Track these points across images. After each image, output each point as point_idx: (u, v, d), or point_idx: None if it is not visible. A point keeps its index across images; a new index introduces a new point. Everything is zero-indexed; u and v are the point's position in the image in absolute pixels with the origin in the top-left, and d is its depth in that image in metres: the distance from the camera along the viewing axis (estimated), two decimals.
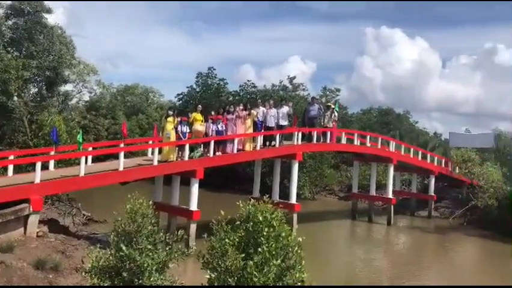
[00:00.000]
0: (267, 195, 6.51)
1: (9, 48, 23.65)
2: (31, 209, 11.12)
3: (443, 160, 27.31)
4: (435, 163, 26.45)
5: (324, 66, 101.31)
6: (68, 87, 29.00)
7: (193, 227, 14.85)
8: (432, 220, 25.16)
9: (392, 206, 23.09)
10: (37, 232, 11.22)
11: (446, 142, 36.50)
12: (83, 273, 6.58)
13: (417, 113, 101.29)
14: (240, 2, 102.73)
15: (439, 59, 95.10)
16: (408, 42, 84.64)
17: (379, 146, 23.65)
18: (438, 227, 23.54)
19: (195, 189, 15.35)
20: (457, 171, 26.43)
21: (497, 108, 72.48)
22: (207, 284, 5.77)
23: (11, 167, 13.13)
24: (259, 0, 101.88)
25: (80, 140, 14.18)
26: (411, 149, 25.61)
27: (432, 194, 25.86)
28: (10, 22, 23.62)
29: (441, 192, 27.03)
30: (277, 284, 5.31)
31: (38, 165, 11.84)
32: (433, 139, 42.66)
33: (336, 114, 20.81)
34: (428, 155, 26.50)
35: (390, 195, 23.52)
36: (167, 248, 6.59)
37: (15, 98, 23.16)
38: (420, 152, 26.08)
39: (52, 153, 14.19)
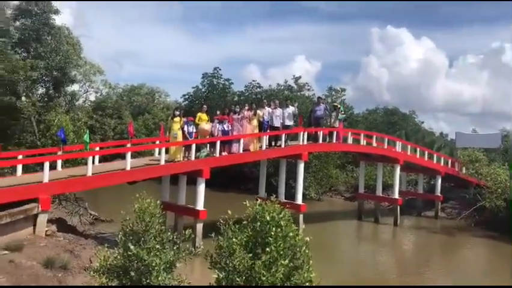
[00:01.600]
0: (274, 195, 6.52)
1: (17, 49, 23.89)
2: (40, 209, 11.22)
3: (450, 160, 27.18)
4: (442, 163, 26.32)
5: (330, 66, 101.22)
6: (74, 87, 29.31)
7: (199, 227, 14.91)
8: (439, 221, 25.02)
9: (399, 207, 23.02)
10: (46, 231, 11.33)
11: (453, 142, 36.22)
12: (92, 273, 6.62)
13: (423, 113, 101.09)
14: (244, 1, 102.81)
15: (446, 58, 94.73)
16: (414, 42, 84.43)
17: (385, 146, 23.59)
18: (445, 227, 23.42)
19: (201, 188, 15.41)
20: (464, 171, 26.28)
21: (504, 108, 72.04)
22: (214, 284, 5.79)
23: (19, 167, 13.23)
24: (263, 0, 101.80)
25: (87, 140, 14.26)
26: (418, 149, 25.51)
27: (439, 195, 25.73)
28: (18, 23, 23.87)
29: (448, 193, 26.89)
30: (285, 284, 5.33)
31: (46, 165, 11.91)
32: (439, 139, 42.46)
33: (342, 114, 20.83)
34: (435, 155, 26.38)
35: (396, 195, 23.46)
36: (174, 248, 6.62)
37: (24, 99, 23.40)
38: (426, 152, 25.97)
39: (60, 153, 14.29)
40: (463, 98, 75.54)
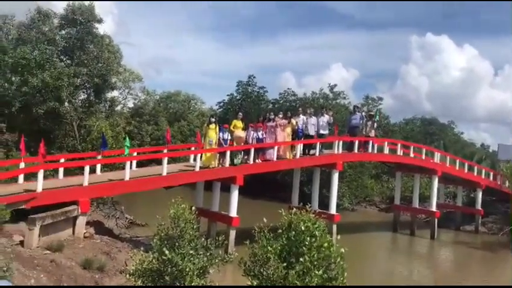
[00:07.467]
0: (308, 205, 6.46)
1: (62, 57, 24.96)
2: (79, 211, 11.56)
3: (492, 173, 26.16)
4: (483, 176, 25.37)
5: (367, 74, 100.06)
6: (114, 93, 30.23)
7: (232, 233, 14.95)
8: (479, 235, 24.09)
9: (436, 220, 22.32)
10: (84, 233, 11.65)
11: (495, 154, 34.87)
12: (127, 275, 6.76)
13: (464, 123, 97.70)
14: (279, 9, 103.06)
15: (490, 66, 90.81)
16: (455, 49, 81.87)
17: (423, 157, 22.97)
18: (486, 243, 22.48)
19: (234, 195, 15.48)
20: (507, 185, 25.20)
21: None
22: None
23: (61, 170, 13.70)
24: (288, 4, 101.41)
25: (128, 145, 14.61)
26: (457, 161, 24.70)
27: (479, 208, 24.79)
28: (63, 32, 24.93)
29: (489, 207, 25.85)
30: None
31: (87, 168, 12.28)
32: (480, 151, 40.97)
33: (376, 123, 20.51)
34: (475, 168, 25.46)
35: (434, 208, 22.76)
36: (207, 254, 6.67)
37: (66, 104, 24.32)
38: (466, 164, 25.10)
39: (99, 157, 14.70)
40: (508, 108, 72.36)
